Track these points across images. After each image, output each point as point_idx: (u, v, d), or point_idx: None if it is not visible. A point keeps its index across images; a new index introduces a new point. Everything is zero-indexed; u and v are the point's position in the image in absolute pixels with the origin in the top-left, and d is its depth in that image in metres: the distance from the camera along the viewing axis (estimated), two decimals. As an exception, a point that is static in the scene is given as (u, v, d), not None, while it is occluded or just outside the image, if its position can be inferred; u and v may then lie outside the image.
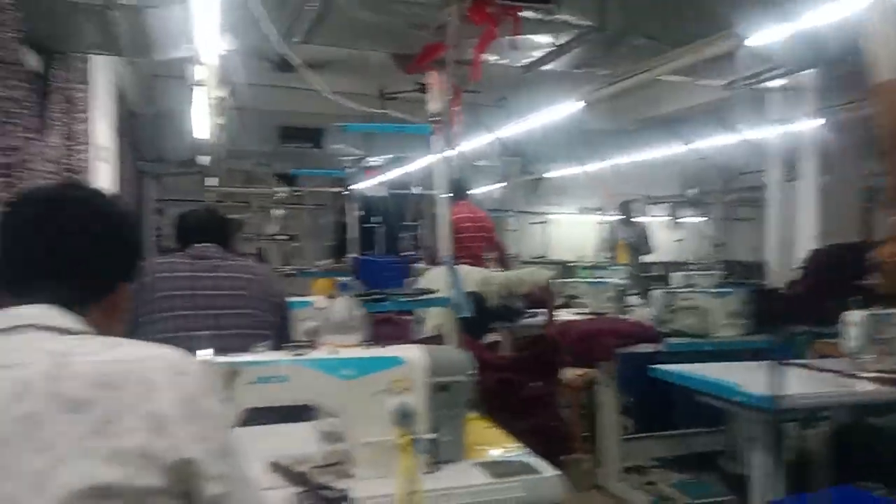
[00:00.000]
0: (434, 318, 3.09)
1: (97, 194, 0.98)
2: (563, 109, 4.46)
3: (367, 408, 1.36)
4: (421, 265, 4.22)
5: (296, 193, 7.04)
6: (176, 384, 0.80)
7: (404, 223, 8.49)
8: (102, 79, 3.75)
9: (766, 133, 5.01)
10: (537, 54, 3.65)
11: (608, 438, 3.48)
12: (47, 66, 2.78)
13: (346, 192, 4.35)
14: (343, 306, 1.62)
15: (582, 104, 4.19)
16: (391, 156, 7.17)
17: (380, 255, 6.24)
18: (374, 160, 7.04)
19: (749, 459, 2.30)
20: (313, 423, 1.59)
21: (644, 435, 3.66)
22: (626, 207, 7.10)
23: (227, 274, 2.15)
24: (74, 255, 0.90)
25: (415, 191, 8.09)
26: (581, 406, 3.55)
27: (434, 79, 1.92)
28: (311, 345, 1.45)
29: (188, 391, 0.80)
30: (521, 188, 9.78)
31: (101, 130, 3.68)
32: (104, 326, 0.90)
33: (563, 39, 3.41)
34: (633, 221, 7.08)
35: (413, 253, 5.89)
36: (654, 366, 2.70)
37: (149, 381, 0.78)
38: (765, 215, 5.08)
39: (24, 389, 0.74)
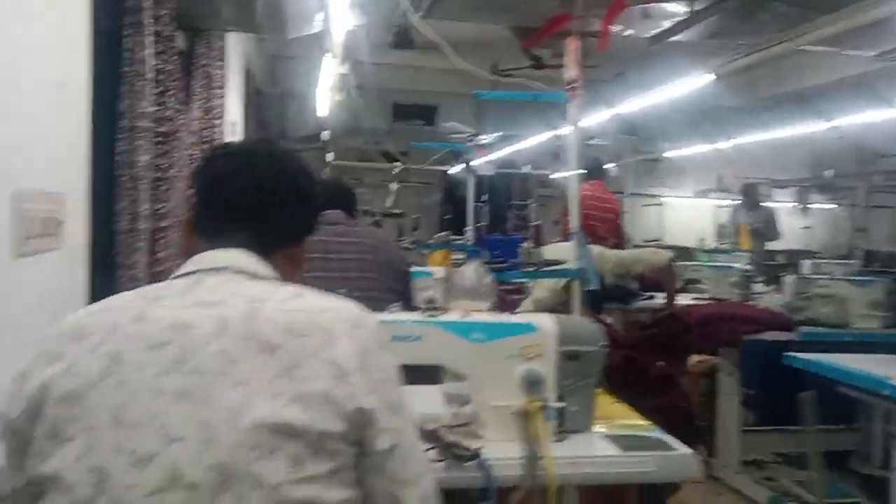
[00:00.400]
0: (539, 293, 3.02)
1: (288, 151, 1.03)
2: (690, 83, 4.17)
3: (496, 372, 1.37)
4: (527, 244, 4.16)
5: (412, 169, 7.15)
6: (354, 336, 0.83)
7: (511, 202, 8.43)
8: (234, 57, 3.96)
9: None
10: (667, 24, 3.48)
11: (728, 429, 3.33)
12: (191, 43, 2.96)
13: (468, 167, 4.38)
14: (473, 272, 1.63)
15: (712, 77, 3.93)
16: (500, 133, 7.13)
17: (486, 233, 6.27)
18: (484, 138, 7.03)
19: (892, 458, 2.13)
20: (439, 385, 1.61)
21: (768, 428, 3.46)
22: (750, 190, 6.70)
23: (354, 239, 2.23)
24: (267, 206, 0.94)
25: (525, 170, 8.00)
26: (700, 394, 3.41)
27: (573, 45, 1.87)
28: (442, 308, 1.47)
29: (364, 344, 0.83)
30: (634, 168, 9.47)
31: (233, 106, 3.90)
32: (287, 275, 0.94)
33: (699, 6, 3.23)
34: (758, 206, 6.67)
35: (527, 230, 5.86)
36: (789, 354, 2.55)
37: (330, 330, 0.82)
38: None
39: (223, 327, 0.79)
